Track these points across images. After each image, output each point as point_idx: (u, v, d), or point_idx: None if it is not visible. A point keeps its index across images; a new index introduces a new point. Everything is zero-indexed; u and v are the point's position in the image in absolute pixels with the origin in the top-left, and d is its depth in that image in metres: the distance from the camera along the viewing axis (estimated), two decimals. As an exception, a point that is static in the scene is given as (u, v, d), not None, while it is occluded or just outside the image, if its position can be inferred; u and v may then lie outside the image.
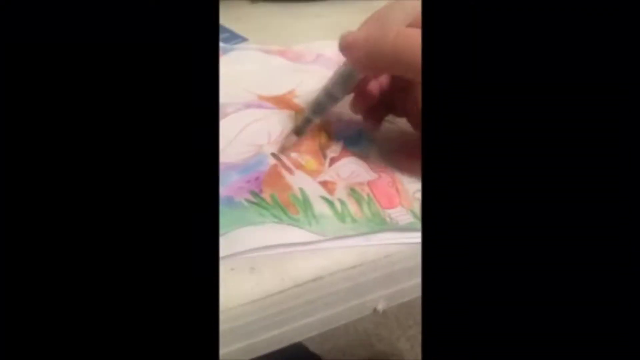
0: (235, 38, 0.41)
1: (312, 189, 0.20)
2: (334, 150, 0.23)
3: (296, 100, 0.28)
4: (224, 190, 0.20)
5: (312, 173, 0.21)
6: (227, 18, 0.48)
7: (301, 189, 0.20)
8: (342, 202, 0.19)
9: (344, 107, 0.27)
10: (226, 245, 0.17)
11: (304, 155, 0.23)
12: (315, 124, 0.26)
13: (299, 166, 0.22)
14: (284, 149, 0.22)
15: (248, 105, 0.27)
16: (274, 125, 0.25)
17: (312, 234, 0.18)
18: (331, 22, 0.46)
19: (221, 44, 0.37)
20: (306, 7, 0.51)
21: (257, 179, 0.21)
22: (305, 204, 0.19)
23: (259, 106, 0.27)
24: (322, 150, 0.23)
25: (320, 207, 0.19)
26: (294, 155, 0.23)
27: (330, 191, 0.20)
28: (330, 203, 0.19)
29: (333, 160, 0.22)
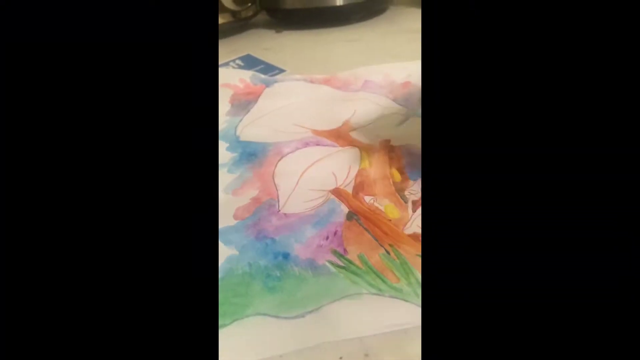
0: (272, 69, 0.38)
1: (406, 245, 0.16)
2: (413, 191, 0.20)
3: (354, 134, 0.25)
4: (302, 250, 0.17)
5: (398, 223, 0.18)
6: (255, 49, 0.46)
7: (393, 247, 0.16)
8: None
9: (412, 139, 0.24)
10: (321, 325, 0.14)
11: (381, 198, 0.20)
12: (386, 158, 0.23)
13: (379, 214, 0.18)
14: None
15: (305, 144, 0.24)
16: (338, 165, 0.22)
17: (424, 309, 0.14)
18: (365, 46, 0.43)
19: (261, 76, 0.34)
20: (332, 33, 0.49)
21: (335, 233, 0.18)
22: (404, 267, 0.15)
23: (317, 143, 0.24)
24: (400, 192, 0.20)
25: (425, 271, 0.15)
26: (368, 199, 0.20)
27: (428, 247, 0.16)
28: (435, 264, 0.15)
29: (416, 205, 0.19)
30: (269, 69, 0.36)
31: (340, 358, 0.13)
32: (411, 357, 0.13)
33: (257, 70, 0.35)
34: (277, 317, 0.14)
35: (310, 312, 0.14)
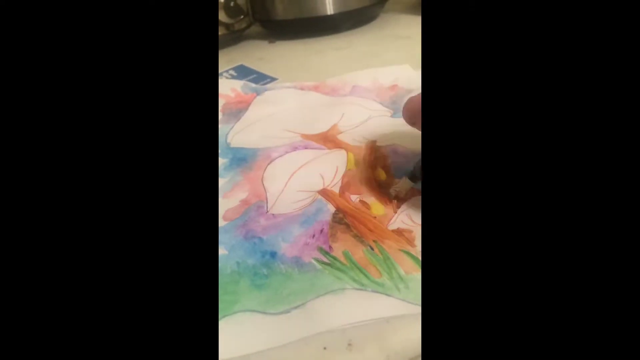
0: (264, 78, 0.39)
1: (389, 241, 0.17)
2: (398, 188, 0.20)
3: (341, 137, 0.26)
4: (289, 249, 0.17)
5: (382, 219, 0.18)
6: (249, 59, 0.47)
7: (377, 243, 0.17)
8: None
9: (399, 139, 0.24)
10: (306, 319, 0.14)
11: (366, 196, 0.20)
12: (372, 158, 0.23)
13: (364, 211, 0.19)
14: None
15: (294, 147, 0.25)
16: (326, 167, 0.22)
17: (404, 302, 0.14)
18: (353, 53, 0.44)
19: (252, 85, 0.35)
20: (323, 41, 0.50)
21: (322, 231, 0.18)
22: (387, 263, 0.16)
23: (306, 147, 0.25)
24: (384, 190, 0.20)
25: (407, 266, 0.16)
26: (354, 197, 0.20)
27: (410, 242, 0.17)
28: (416, 260, 0.16)
29: (401, 201, 0.19)
30: (262, 78, 0.37)
31: (324, 348, 0.13)
32: (392, 346, 0.13)
33: (249, 80, 0.36)
34: (264, 313, 0.14)
35: (296, 307, 0.14)
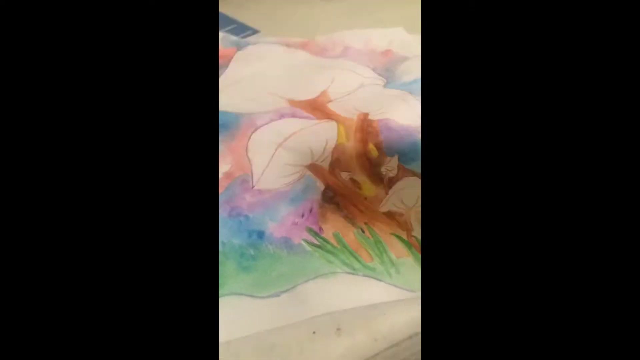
0: (245, 30, 0.35)
1: (380, 223, 0.17)
2: (390, 167, 0.19)
3: (331, 106, 0.24)
4: (277, 229, 0.16)
5: (373, 201, 0.18)
6: (229, 6, 0.42)
7: (368, 225, 0.16)
8: (420, 242, 0.16)
9: (393, 114, 0.23)
10: (296, 303, 0.14)
11: (357, 174, 0.19)
12: (363, 133, 0.22)
13: (355, 191, 0.18)
14: None
15: (280, 115, 0.23)
16: (315, 139, 0.21)
17: (395, 288, 0.14)
18: (344, 7, 0.40)
19: (232, 37, 0.31)
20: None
21: (311, 210, 0.17)
22: (378, 246, 0.16)
23: (293, 115, 0.23)
24: (376, 168, 0.20)
25: (397, 250, 0.16)
26: (345, 175, 0.19)
27: (401, 225, 0.17)
28: (407, 244, 0.16)
29: (392, 181, 0.19)
30: (242, 30, 0.34)
31: (314, 333, 0.13)
32: (381, 329, 0.13)
33: (228, 31, 0.32)
34: (251, 296, 0.14)
35: (285, 291, 0.14)
